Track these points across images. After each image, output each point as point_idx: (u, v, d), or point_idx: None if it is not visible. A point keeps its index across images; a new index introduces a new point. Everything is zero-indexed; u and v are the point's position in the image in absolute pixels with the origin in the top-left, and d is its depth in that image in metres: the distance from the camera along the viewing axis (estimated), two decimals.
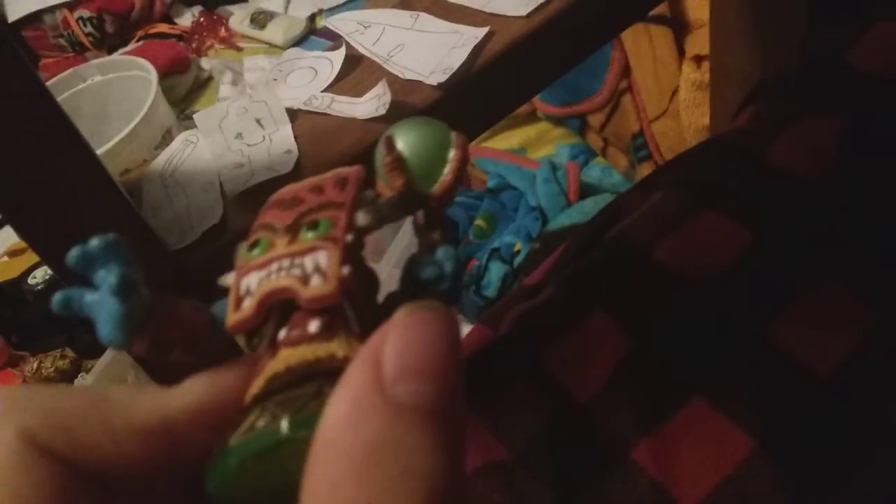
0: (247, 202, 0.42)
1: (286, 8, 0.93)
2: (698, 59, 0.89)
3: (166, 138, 0.81)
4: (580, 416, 0.45)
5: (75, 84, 0.96)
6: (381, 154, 0.21)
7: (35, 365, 0.95)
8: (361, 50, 0.50)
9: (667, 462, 0.42)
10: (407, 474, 0.14)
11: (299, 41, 0.86)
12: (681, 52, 0.92)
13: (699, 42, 0.89)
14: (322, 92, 0.47)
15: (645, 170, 0.99)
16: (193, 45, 1.00)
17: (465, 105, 0.47)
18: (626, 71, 0.99)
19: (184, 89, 1.24)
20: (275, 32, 0.87)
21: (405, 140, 0.21)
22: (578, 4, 0.50)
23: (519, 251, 0.90)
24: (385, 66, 0.48)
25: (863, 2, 0.59)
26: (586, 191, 0.99)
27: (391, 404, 0.15)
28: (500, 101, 0.51)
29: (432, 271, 0.20)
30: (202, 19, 1.01)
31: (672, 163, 0.59)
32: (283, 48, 0.85)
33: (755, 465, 0.41)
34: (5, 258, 1.04)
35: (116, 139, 0.76)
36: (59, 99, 0.92)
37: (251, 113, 0.45)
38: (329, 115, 0.45)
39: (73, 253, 0.18)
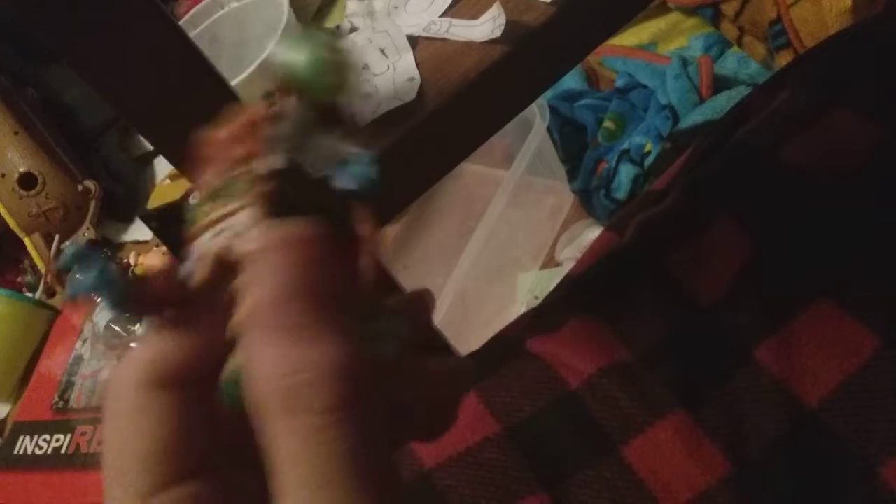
0: (377, 131, 0.45)
1: None
2: None
3: None
4: (704, 319, 0.47)
5: (214, 12, 1.00)
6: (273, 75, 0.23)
7: None
8: None
9: (790, 361, 0.43)
10: (303, 387, 0.19)
11: None
12: None
13: None
14: (440, 17, 0.49)
15: (784, 58, 0.94)
16: None
17: (582, 19, 0.48)
18: None
19: (314, 7, 1.27)
20: None
21: (286, 55, 0.22)
22: None
23: (649, 152, 0.89)
24: None
25: None
26: (721, 84, 0.96)
27: (269, 332, 0.19)
28: (618, 11, 0.51)
29: (344, 182, 0.22)
30: None
31: (802, 58, 0.57)
32: None
33: (880, 363, 0.41)
34: (167, 182, 1.14)
35: (255, 65, 0.80)
36: (200, 27, 0.97)
37: (375, 43, 0.48)
38: (448, 39, 0.47)
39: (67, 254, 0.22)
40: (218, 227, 0.22)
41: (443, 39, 0.48)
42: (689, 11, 1.05)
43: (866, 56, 0.51)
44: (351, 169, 0.22)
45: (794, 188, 0.49)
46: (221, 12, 1.00)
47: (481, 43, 0.46)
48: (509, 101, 0.49)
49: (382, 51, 0.47)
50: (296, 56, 0.22)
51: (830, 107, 0.49)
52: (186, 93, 0.37)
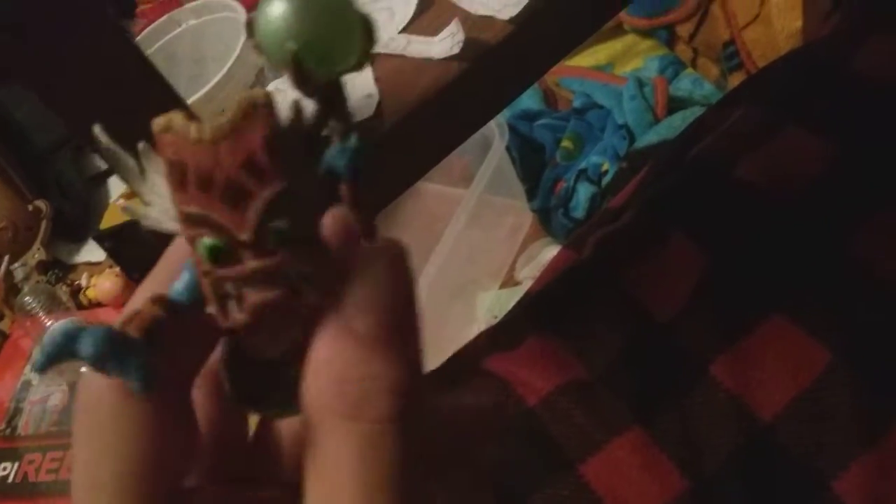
0: None
1: None
2: None
3: (259, 77, 0.84)
4: (660, 336, 0.47)
5: (171, 29, 0.99)
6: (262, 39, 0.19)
7: None
8: None
9: (744, 376, 0.44)
10: (369, 395, 0.18)
11: None
12: None
13: None
14: (399, 33, 0.49)
15: (737, 79, 0.96)
16: None
17: (540, 37, 0.48)
18: None
19: None
20: None
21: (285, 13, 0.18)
22: None
23: (607, 171, 0.90)
24: (458, 2, 0.49)
25: None
26: (676, 104, 0.98)
27: (353, 337, 0.19)
28: (575, 31, 0.51)
29: (325, 165, 0.19)
30: None
31: (754, 77, 0.58)
32: None
33: (833, 377, 0.42)
34: (121, 201, 1.12)
35: (212, 83, 0.79)
36: (156, 45, 0.96)
37: None
38: (406, 56, 0.47)
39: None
40: (259, 278, 0.19)
41: (401, 56, 0.47)
42: (645, 33, 1.07)
43: (816, 75, 0.52)
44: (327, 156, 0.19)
45: (748, 205, 0.49)
46: (178, 30, 0.99)
47: (440, 60, 0.46)
48: (468, 117, 0.49)
49: None
50: (301, 13, 0.18)
51: (782, 124, 0.50)
52: (141, 111, 0.36)
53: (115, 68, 0.36)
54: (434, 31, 0.48)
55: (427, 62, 0.46)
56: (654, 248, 0.50)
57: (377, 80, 0.47)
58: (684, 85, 1.01)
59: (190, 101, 0.67)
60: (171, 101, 0.38)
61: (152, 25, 0.98)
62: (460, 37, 0.45)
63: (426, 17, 0.50)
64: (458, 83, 0.46)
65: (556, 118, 1.02)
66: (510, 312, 0.55)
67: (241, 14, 0.87)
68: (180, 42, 0.99)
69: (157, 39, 0.96)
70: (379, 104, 0.46)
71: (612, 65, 1.09)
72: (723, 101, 0.59)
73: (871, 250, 0.44)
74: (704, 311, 0.46)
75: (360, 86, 0.47)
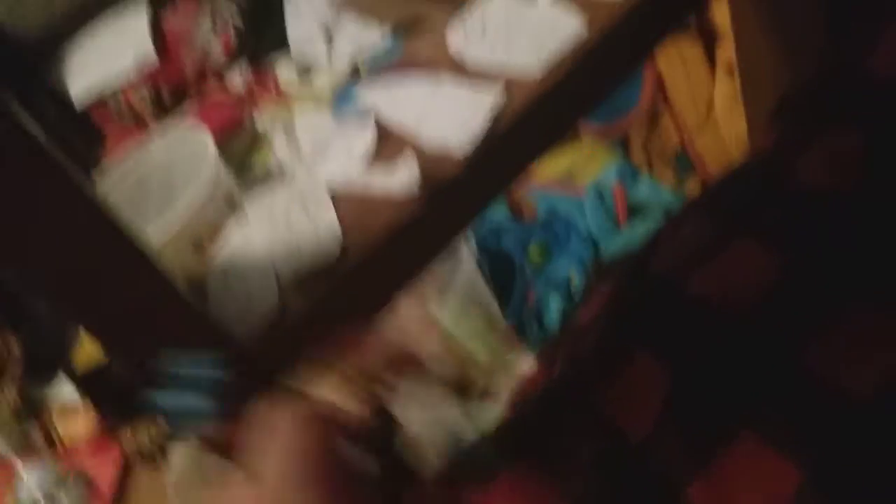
0: (301, 286, 0.46)
1: (328, 54, 0.93)
2: (731, 69, 0.89)
3: (230, 202, 0.85)
4: (634, 458, 0.46)
5: (140, 155, 1.00)
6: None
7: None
8: (390, 123, 0.53)
9: (721, 501, 0.43)
10: None
11: (344, 90, 0.88)
12: (712, 62, 0.92)
13: (730, 49, 0.89)
14: (358, 171, 0.50)
15: (692, 183, 0.99)
16: (246, 103, 1.03)
17: (493, 168, 0.50)
18: (662, 84, 0.99)
19: (241, 149, 1.29)
20: (321, 86, 0.90)
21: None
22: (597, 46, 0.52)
23: (575, 281, 0.92)
24: (412, 138, 0.51)
25: (880, 3, 0.59)
26: (637, 210, 1.00)
27: None
28: (527, 155, 0.53)
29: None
30: (252, 79, 1.04)
31: (705, 191, 0.60)
32: (330, 98, 0.87)
33: (804, 498, 0.41)
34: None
35: (181, 213, 0.80)
36: (125, 171, 0.96)
37: (296, 200, 0.49)
38: (366, 194, 0.49)
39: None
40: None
41: (361, 194, 0.49)
42: (601, 140, 1.11)
43: (762, 186, 0.54)
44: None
45: (703, 320, 0.49)
46: (147, 155, 1.00)
47: (398, 194, 0.47)
48: (429, 247, 0.51)
49: (304, 207, 0.48)
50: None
51: (732, 237, 0.51)
52: (102, 267, 0.37)
53: (71, 224, 0.36)
54: (390, 165, 0.49)
55: (386, 197, 0.48)
56: (620, 368, 0.50)
57: (340, 219, 0.48)
58: (642, 191, 1.03)
59: (158, 225, 0.67)
60: (134, 254, 0.39)
61: (120, 151, 0.98)
62: (416, 173, 0.47)
63: (382, 153, 0.52)
64: (418, 216, 0.47)
65: (523, 229, 1.04)
66: (484, 443, 0.55)
67: (209, 141, 0.88)
68: (149, 167, 0.99)
69: (125, 165, 0.96)
70: (343, 241, 0.47)
71: (572, 173, 1.12)
72: (676, 215, 0.61)
73: (827, 361, 0.44)
74: (674, 431, 0.46)
75: (324, 226, 0.48)
